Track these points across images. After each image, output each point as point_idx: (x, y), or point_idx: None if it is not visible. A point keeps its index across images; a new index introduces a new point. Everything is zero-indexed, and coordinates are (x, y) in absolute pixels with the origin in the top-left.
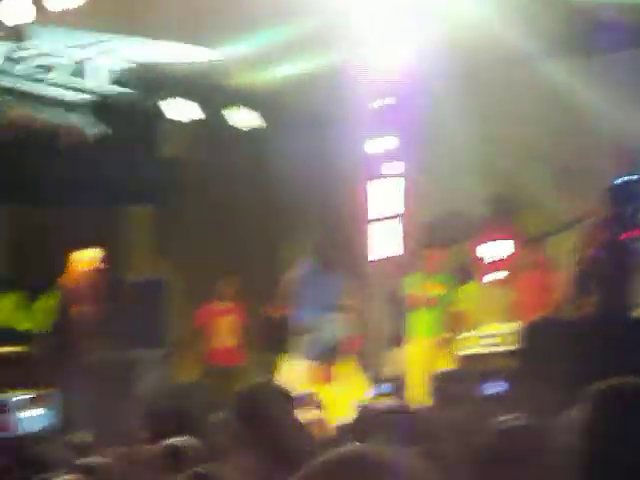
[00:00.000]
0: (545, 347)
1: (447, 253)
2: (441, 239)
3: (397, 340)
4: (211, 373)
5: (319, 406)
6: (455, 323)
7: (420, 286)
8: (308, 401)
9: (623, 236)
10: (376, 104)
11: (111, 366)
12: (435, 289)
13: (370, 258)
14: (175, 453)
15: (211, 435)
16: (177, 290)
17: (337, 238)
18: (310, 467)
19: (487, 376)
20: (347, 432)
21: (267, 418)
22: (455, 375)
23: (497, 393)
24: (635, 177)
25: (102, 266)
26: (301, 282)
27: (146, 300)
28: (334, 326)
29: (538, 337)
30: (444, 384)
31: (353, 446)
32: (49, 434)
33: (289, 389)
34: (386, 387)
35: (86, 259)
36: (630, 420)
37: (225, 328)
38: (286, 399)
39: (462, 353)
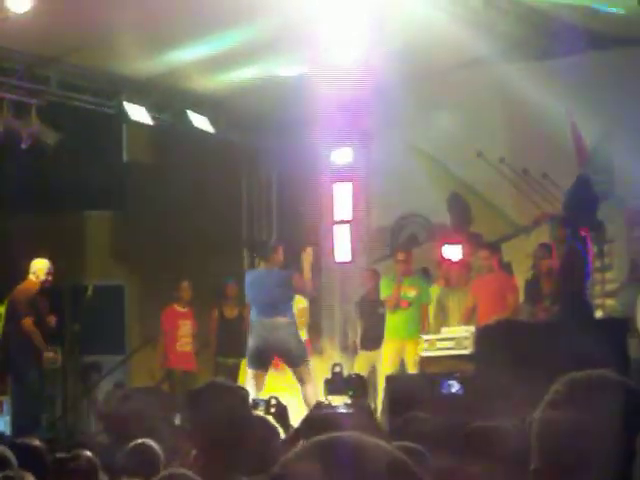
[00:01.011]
0: (498, 350)
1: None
2: (401, 242)
3: (363, 342)
4: (170, 377)
5: (277, 411)
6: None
7: (396, 289)
8: (266, 406)
9: (578, 239)
10: (335, 107)
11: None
12: (408, 292)
13: (335, 260)
14: (139, 455)
15: (169, 438)
16: (134, 295)
17: (297, 239)
18: (291, 455)
19: (442, 378)
20: (299, 433)
21: (218, 417)
22: (405, 378)
23: (452, 394)
24: (590, 179)
25: (49, 277)
26: (250, 284)
27: (106, 306)
28: (278, 335)
29: (492, 340)
30: (393, 387)
31: (333, 433)
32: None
33: (245, 390)
34: None
35: (35, 270)
36: (596, 412)
37: (184, 332)
38: (240, 399)
39: (421, 355)
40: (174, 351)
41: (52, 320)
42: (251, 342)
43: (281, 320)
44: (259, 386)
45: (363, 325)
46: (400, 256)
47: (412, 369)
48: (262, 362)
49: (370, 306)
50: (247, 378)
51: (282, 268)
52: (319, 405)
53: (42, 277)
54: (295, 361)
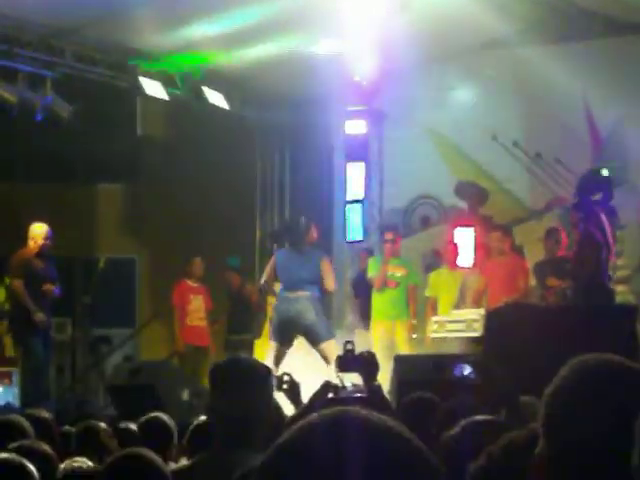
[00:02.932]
0: (509, 333)
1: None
2: (411, 224)
3: (359, 322)
4: (181, 352)
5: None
6: (425, 308)
7: (382, 269)
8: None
9: (591, 225)
10: (350, 86)
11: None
12: (396, 271)
13: (346, 239)
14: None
15: (177, 411)
16: (145, 269)
17: (309, 219)
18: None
19: (452, 360)
20: (308, 410)
21: (244, 391)
22: (413, 359)
23: (462, 376)
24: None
25: (47, 241)
26: (280, 263)
27: (117, 279)
28: (299, 307)
29: (501, 323)
30: (402, 367)
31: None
32: (10, 410)
33: (267, 367)
34: None
35: (33, 235)
36: (604, 399)
37: (195, 307)
38: (263, 375)
39: (430, 337)
40: (185, 326)
41: (49, 289)
42: (275, 316)
43: (306, 294)
44: (278, 360)
45: (359, 305)
46: (388, 236)
47: (403, 350)
48: (285, 336)
49: (365, 286)
50: (269, 350)
51: (312, 247)
52: (327, 385)
53: (40, 242)
54: (319, 339)
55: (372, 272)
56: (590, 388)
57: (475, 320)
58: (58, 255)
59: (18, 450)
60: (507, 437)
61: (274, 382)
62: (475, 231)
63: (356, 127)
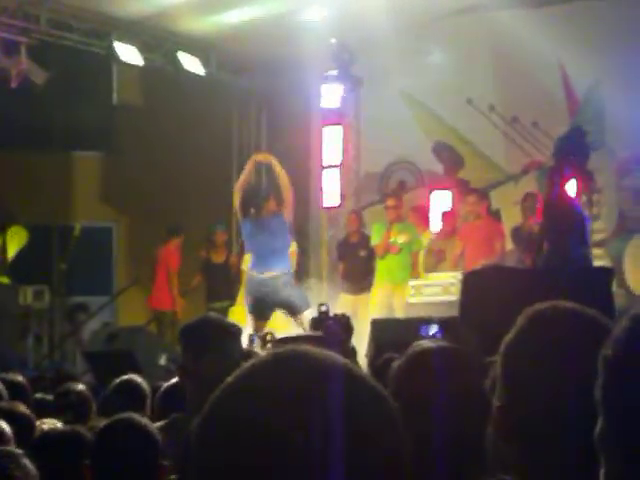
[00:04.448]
0: (484, 295)
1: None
2: (392, 188)
3: (344, 286)
4: (158, 317)
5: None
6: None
7: (385, 235)
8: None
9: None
10: (326, 51)
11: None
12: (398, 237)
13: (323, 204)
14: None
15: (154, 376)
16: (122, 236)
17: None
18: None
19: (425, 323)
20: None
21: (214, 350)
22: (389, 323)
23: (428, 336)
24: (581, 128)
25: None
26: (248, 234)
27: (94, 247)
28: (271, 288)
29: (477, 285)
30: (378, 331)
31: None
32: None
33: (237, 326)
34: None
35: None
36: (561, 346)
37: (174, 274)
38: (233, 333)
39: (408, 301)
40: (165, 291)
41: None
42: (249, 296)
43: (277, 273)
44: (258, 330)
45: (344, 268)
46: (390, 202)
47: (400, 314)
48: (263, 313)
49: (351, 249)
50: (247, 322)
51: (275, 215)
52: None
53: None
54: (297, 310)
55: (375, 239)
56: (546, 337)
57: (452, 284)
58: (35, 223)
59: None
60: None
61: (257, 341)
62: (452, 195)
63: (333, 92)
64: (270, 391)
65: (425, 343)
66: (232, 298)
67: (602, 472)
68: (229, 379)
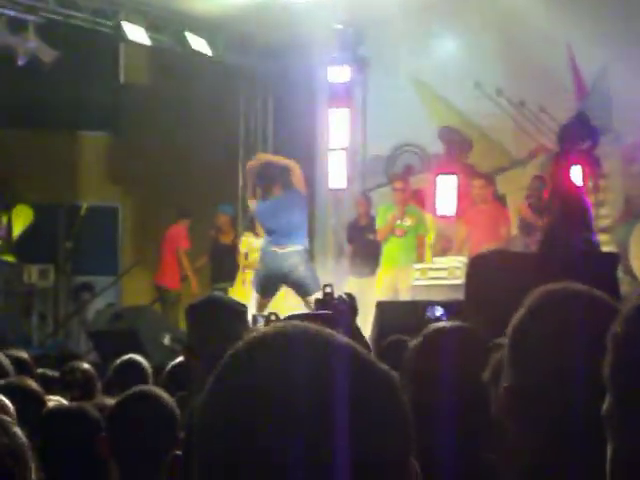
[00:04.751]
0: (491, 279)
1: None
2: (399, 172)
3: (352, 269)
4: (162, 296)
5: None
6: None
7: (391, 218)
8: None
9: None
10: (333, 32)
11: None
12: (404, 220)
13: (329, 186)
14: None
15: (158, 356)
16: (128, 217)
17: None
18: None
19: (430, 306)
20: None
21: (220, 329)
22: (394, 305)
23: (434, 318)
24: (585, 113)
25: None
26: (261, 212)
27: (100, 226)
28: (290, 263)
29: (483, 269)
30: (383, 313)
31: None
32: None
33: (244, 306)
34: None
35: None
36: (570, 326)
37: (182, 254)
38: (238, 312)
39: (413, 284)
40: (171, 270)
41: None
42: (261, 270)
43: (293, 249)
44: (261, 308)
45: (352, 251)
46: (398, 185)
47: (405, 297)
48: (269, 290)
49: (360, 232)
50: (251, 300)
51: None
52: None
53: None
54: (308, 291)
55: (380, 222)
56: (558, 318)
57: (457, 268)
58: (41, 202)
59: (5, 388)
60: None
61: (261, 321)
62: (458, 179)
63: (340, 74)
64: (278, 361)
65: (440, 323)
66: (232, 279)
67: (609, 449)
68: (238, 347)
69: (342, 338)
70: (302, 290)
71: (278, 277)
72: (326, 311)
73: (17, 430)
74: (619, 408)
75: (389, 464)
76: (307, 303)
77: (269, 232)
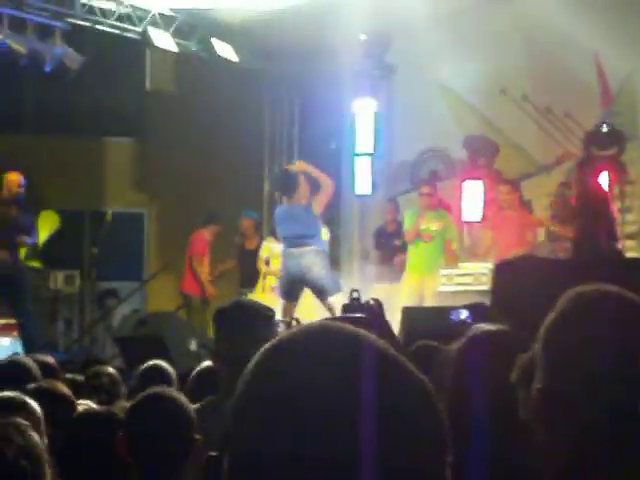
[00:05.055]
0: (517, 285)
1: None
2: (426, 177)
3: (379, 275)
4: (189, 303)
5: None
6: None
7: (416, 221)
8: (286, 327)
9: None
10: (359, 39)
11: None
12: (431, 225)
13: (356, 192)
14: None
15: (184, 361)
16: (153, 223)
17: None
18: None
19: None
20: None
21: (248, 333)
22: (420, 310)
23: (459, 321)
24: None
25: (21, 190)
26: (279, 219)
27: (126, 232)
28: (307, 261)
29: (509, 274)
30: (409, 318)
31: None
32: None
33: (271, 309)
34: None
35: (6, 182)
36: (604, 330)
37: (196, 260)
38: (266, 316)
39: (439, 290)
40: (197, 277)
41: (21, 239)
42: (284, 273)
43: (309, 248)
44: (287, 314)
45: (379, 257)
46: (425, 189)
47: (431, 303)
48: (292, 293)
49: (387, 238)
50: (277, 307)
51: (304, 206)
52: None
53: (14, 190)
54: (326, 293)
55: (407, 225)
56: (591, 320)
57: (483, 274)
58: (67, 207)
59: (35, 391)
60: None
61: (283, 328)
62: (484, 185)
63: (365, 80)
64: (304, 364)
65: (484, 326)
66: (254, 285)
67: None
68: (264, 350)
69: (375, 338)
70: (319, 291)
71: (297, 278)
72: (360, 314)
73: (33, 433)
74: None
75: (422, 474)
76: (327, 306)
77: (283, 236)
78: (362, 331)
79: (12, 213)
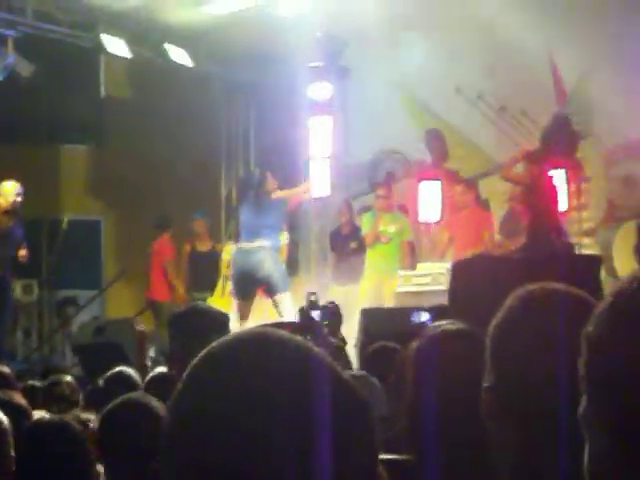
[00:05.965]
0: (474, 284)
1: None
2: (381, 179)
3: (335, 277)
4: (153, 308)
5: None
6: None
7: (374, 225)
8: None
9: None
10: (313, 41)
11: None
12: (388, 227)
13: (313, 195)
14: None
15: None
16: (110, 230)
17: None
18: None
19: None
20: None
21: (202, 339)
22: (380, 311)
23: (419, 323)
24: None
25: (19, 198)
26: (242, 213)
27: (83, 240)
28: (256, 258)
29: (467, 274)
30: (367, 320)
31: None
32: None
33: (225, 315)
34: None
35: (2, 192)
36: (553, 326)
37: (168, 265)
38: (221, 322)
39: (397, 291)
40: (161, 283)
41: (23, 253)
42: (233, 270)
43: (263, 244)
44: (244, 316)
45: (335, 259)
46: (380, 192)
47: (390, 304)
48: (246, 290)
49: (343, 240)
50: (233, 308)
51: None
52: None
53: (11, 198)
54: (275, 290)
55: (365, 228)
56: (537, 318)
57: (441, 274)
58: (23, 216)
59: None
60: None
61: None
62: (441, 185)
63: (320, 83)
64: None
65: (444, 325)
66: (212, 289)
67: (586, 450)
68: (213, 346)
69: (318, 349)
70: (268, 288)
71: (249, 275)
72: (295, 320)
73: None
74: (593, 407)
75: (361, 471)
76: (274, 303)
77: (243, 228)
78: (301, 341)
79: (6, 222)
